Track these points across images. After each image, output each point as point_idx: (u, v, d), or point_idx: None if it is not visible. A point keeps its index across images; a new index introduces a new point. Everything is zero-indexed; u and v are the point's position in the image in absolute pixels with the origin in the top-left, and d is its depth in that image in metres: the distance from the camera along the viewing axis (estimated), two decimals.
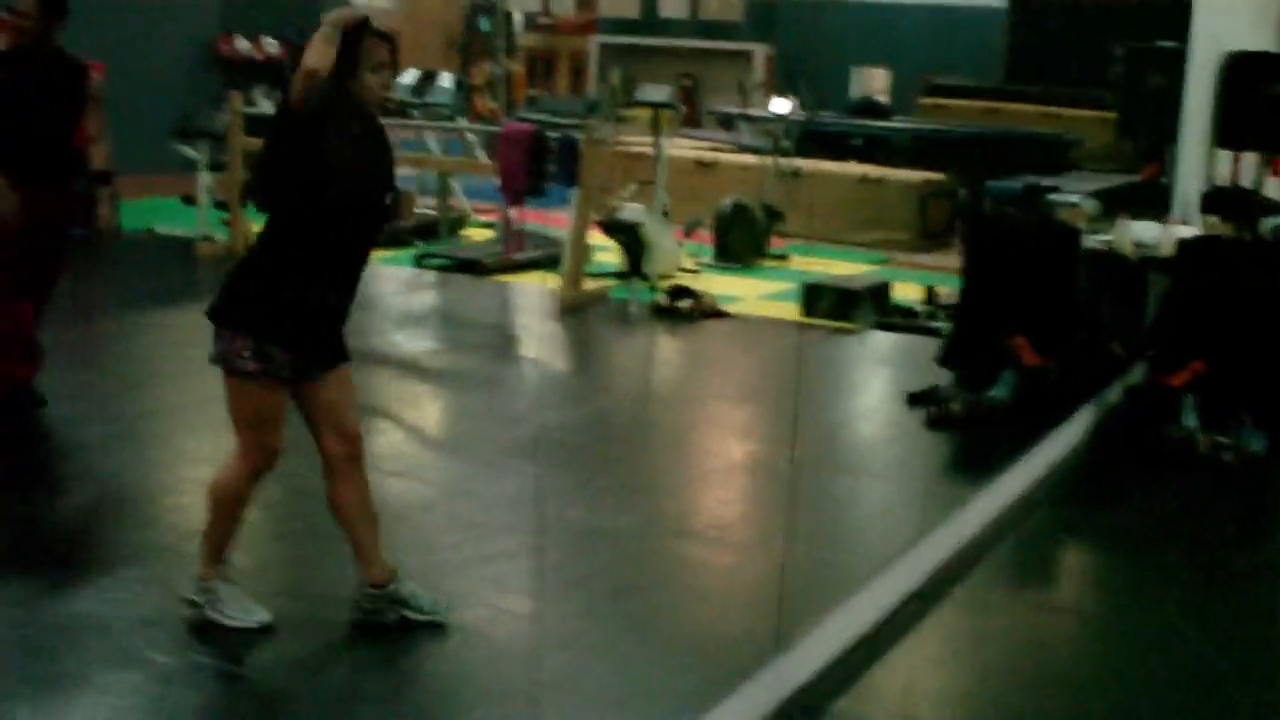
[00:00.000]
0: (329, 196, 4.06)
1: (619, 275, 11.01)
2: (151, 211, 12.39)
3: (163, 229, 12.18)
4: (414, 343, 9.01)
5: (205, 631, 4.31)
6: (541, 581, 4.93)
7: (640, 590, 4.98)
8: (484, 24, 26.96)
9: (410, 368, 8.33)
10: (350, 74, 4.04)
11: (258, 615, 4.37)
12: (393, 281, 10.70)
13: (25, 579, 4.71)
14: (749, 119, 15.07)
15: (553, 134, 10.35)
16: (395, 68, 4.39)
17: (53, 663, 4.10)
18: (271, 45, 16.83)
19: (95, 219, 7.18)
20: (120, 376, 7.69)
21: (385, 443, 6.47)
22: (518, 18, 26.53)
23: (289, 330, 4.13)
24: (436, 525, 5.52)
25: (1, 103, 6.23)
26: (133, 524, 5.39)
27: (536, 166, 10.13)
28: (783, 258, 12.42)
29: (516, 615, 4.63)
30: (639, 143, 14.04)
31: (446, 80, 12.61)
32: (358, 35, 4.03)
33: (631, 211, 11.18)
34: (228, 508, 4.30)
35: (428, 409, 7.60)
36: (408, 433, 6.98)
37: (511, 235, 11.00)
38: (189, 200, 11.80)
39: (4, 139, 6.20)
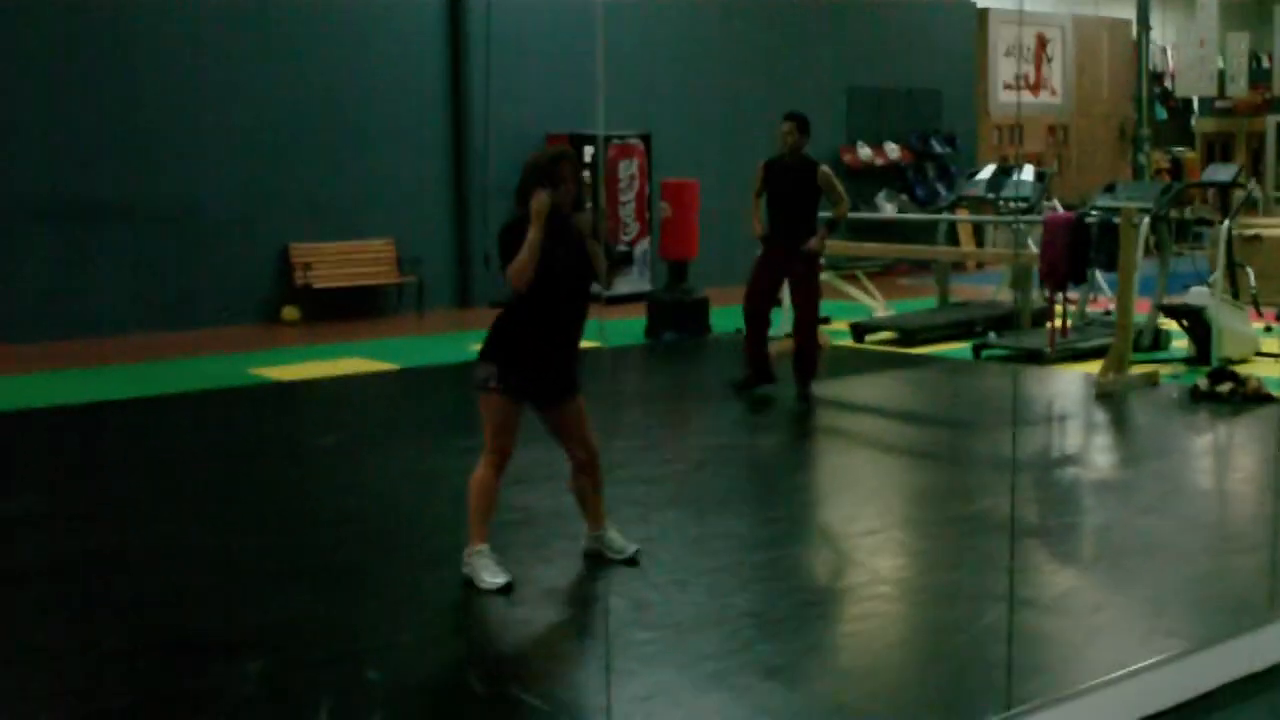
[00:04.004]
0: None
1: (1186, 361, 10.80)
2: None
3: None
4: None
5: None
6: None
7: None
8: (1161, 112, 26.49)
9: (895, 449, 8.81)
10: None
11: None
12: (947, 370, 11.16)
13: None
14: None
15: (1092, 219, 10.37)
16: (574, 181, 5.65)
17: None
18: (893, 150, 17.78)
19: None
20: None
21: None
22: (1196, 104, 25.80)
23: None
24: None
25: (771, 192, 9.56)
26: None
27: (1074, 253, 10.19)
28: None
29: None
30: (1262, 224, 13.70)
31: (1027, 173, 12.85)
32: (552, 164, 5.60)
33: (1196, 295, 10.95)
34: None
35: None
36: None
37: (1060, 323, 11.04)
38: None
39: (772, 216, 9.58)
